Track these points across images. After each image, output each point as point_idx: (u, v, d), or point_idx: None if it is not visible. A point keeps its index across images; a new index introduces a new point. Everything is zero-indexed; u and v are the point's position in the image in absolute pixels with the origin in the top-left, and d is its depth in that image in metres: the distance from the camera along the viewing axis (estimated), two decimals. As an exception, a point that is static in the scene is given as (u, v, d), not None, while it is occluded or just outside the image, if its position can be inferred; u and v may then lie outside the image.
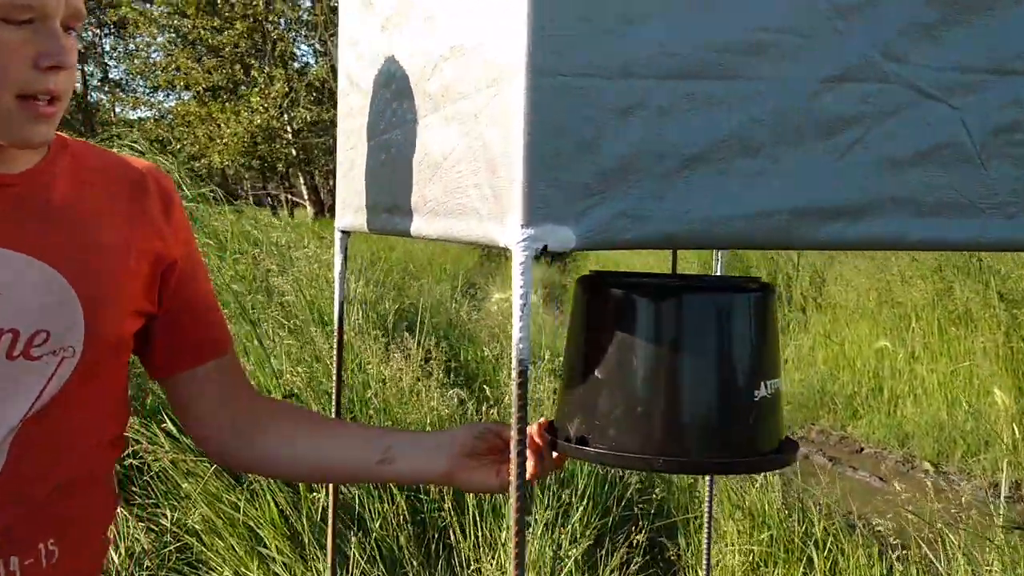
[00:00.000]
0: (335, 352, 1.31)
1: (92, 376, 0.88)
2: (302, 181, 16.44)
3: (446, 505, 2.72)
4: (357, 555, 2.56)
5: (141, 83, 18.65)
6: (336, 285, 1.28)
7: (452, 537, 2.70)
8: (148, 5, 16.06)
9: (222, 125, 14.69)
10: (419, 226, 0.94)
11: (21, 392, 0.84)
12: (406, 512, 2.72)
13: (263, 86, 14.86)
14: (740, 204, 0.74)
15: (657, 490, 3.23)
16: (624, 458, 0.85)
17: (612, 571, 2.75)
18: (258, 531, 2.61)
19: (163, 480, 2.71)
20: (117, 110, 19.81)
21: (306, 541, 2.57)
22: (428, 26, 0.92)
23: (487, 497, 2.70)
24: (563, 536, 2.74)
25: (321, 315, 3.88)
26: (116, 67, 20.73)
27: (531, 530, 2.71)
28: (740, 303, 0.86)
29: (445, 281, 8.04)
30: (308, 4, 16.40)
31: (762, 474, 3.06)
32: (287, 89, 14.88)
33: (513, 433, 0.72)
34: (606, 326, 0.86)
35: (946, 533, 2.71)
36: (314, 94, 15.19)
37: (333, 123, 1.27)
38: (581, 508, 2.84)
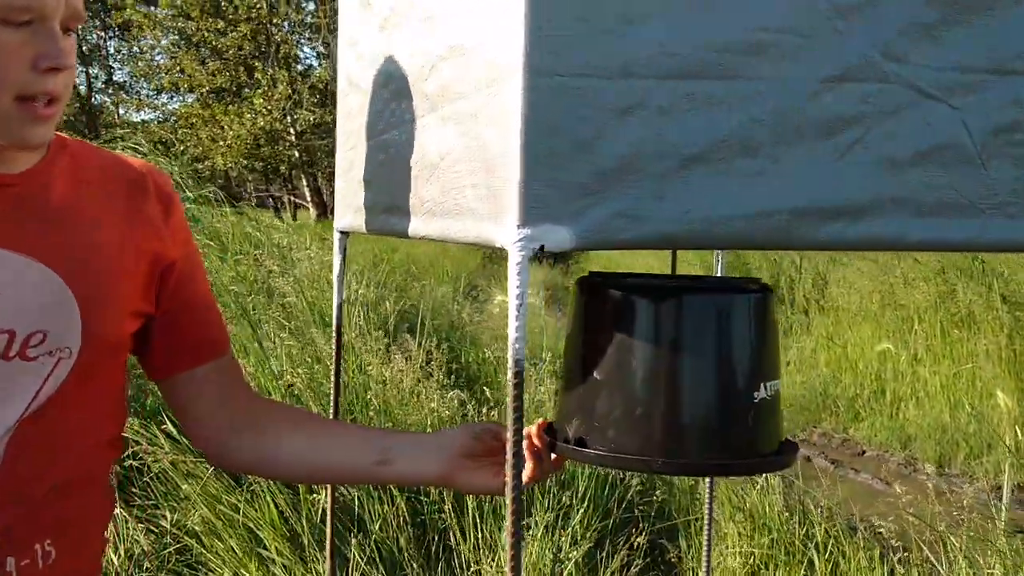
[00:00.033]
0: (334, 353, 1.30)
1: (89, 377, 0.88)
2: (305, 183, 16.46)
3: (446, 507, 2.71)
4: (357, 557, 2.56)
5: (145, 85, 18.70)
6: (335, 286, 1.28)
7: (452, 539, 2.70)
8: (152, 8, 16.09)
9: (225, 127, 14.71)
10: (416, 226, 0.94)
11: (17, 393, 0.84)
12: (406, 514, 2.72)
13: (266, 88, 14.88)
14: (740, 204, 0.74)
15: (658, 492, 3.23)
16: (623, 460, 0.85)
17: (612, 573, 2.74)
18: (258, 533, 2.60)
19: (163, 481, 2.71)
20: (121, 112, 19.86)
21: (306, 543, 2.57)
22: (426, 26, 0.92)
23: (487, 499, 2.70)
24: (563, 538, 2.73)
25: (322, 316, 3.88)
26: (120, 69, 20.78)
27: (531, 532, 2.71)
28: (739, 304, 0.86)
29: (447, 283, 8.04)
30: (312, 7, 16.43)
31: (763, 476, 3.06)
32: (290, 91, 14.91)
33: (509, 434, 0.72)
34: (605, 327, 0.86)
35: (948, 536, 2.70)
36: (317, 96, 15.21)
37: (336, 125, 1.27)
38: (581, 510, 2.83)
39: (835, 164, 0.75)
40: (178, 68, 15.73)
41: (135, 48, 18.21)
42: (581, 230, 0.71)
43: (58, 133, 0.90)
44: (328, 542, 1.32)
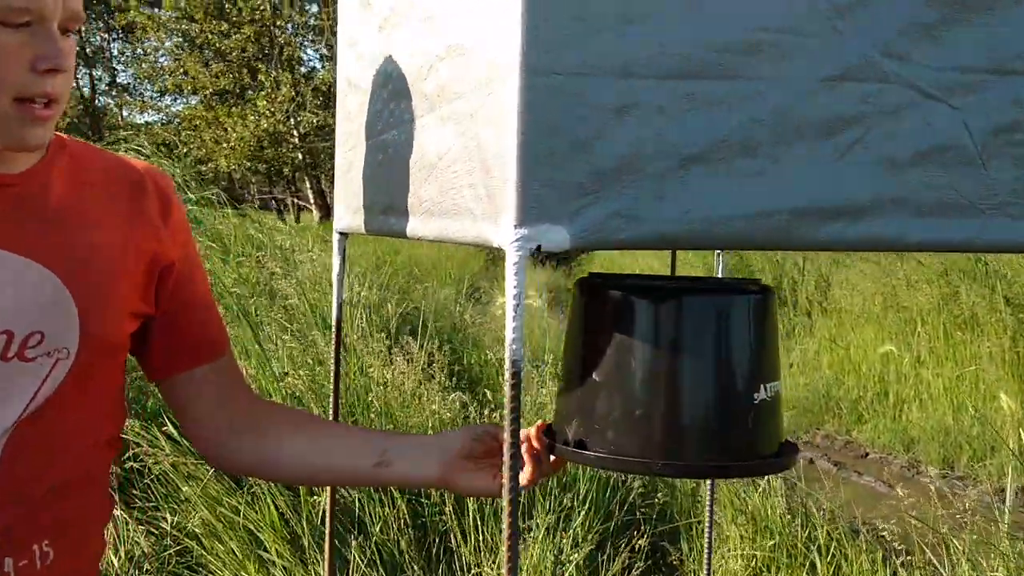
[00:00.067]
0: (333, 354, 1.30)
1: (87, 377, 0.88)
2: (308, 185, 16.47)
3: (447, 509, 2.71)
4: (357, 559, 2.55)
5: (148, 87, 18.73)
6: (334, 287, 1.28)
7: (453, 541, 2.69)
8: (156, 10, 16.14)
9: (229, 129, 14.73)
10: (415, 227, 0.94)
11: (15, 393, 0.84)
12: (407, 516, 2.72)
13: (270, 90, 14.90)
14: (740, 204, 0.73)
15: (660, 494, 3.22)
16: (622, 461, 0.85)
17: (614, 576, 2.73)
18: (258, 535, 2.60)
19: (163, 483, 2.71)
20: (124, 114, 19.90)
21: (306, 545, 2.56)
22: (425, 26, 0.92)
23: (488, 501, 2.69)
24: (564, 541, 2.73)
25: (324, 318, 3.88)
26: (124, 71, 20.82)
27: (532, 535, 2.70)
28: (739, 305, 0.86)
29: (450, 285, 8.04)
30: (315, 9, 16.46)
31: (765, 479, 3.05)
32: (294, 94, 14.93)
33: (506, 434, 0.71)
34: (604, 328, 0.86)
35: (951, 539, 2.69)
36: (320, 98, 15.22)
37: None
38: (583, 512, 2.83)
39: (835, 164, 0.75)
40: (182, 70, 15.77)
41: (139, 50, 18.25)
42: (578, 230, 0.70)
43: (58, 133, 0.90)
44: (327, 544, 1.32)
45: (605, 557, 2.78)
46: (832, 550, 2.81)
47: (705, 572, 1.63)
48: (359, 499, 2.70)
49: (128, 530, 2.55)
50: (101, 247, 0.89)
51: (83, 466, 0.91)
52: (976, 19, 0.76)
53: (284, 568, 2.54)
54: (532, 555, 2.64)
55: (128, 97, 19.77)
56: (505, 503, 0.71)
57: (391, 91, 1.02)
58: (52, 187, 0.87)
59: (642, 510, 3.11)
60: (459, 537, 2.69)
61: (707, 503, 1.62)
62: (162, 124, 17.19)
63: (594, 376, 0.85)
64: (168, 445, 2.68)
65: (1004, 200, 0.78)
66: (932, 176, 0.76)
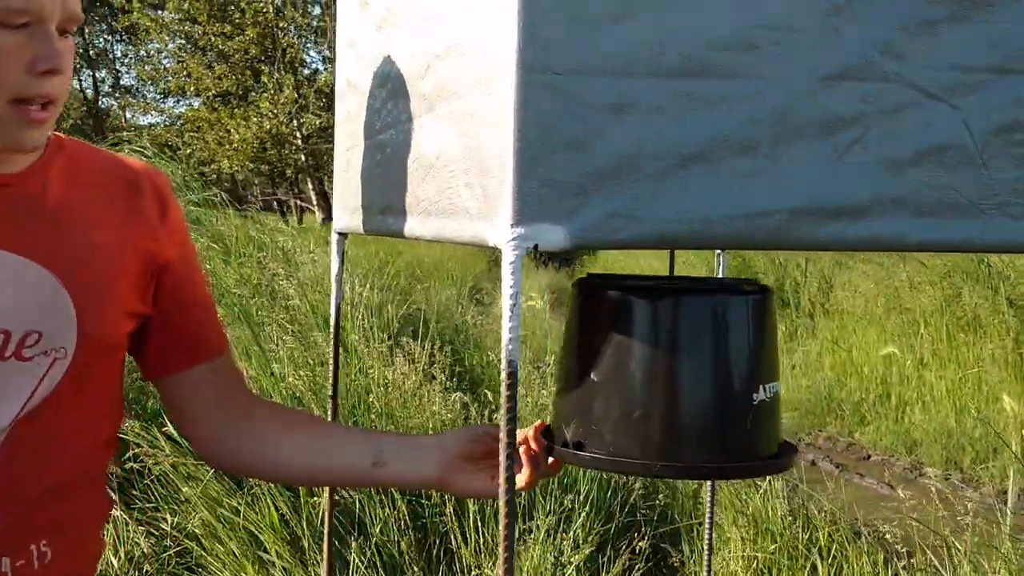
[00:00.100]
0: (332, 354, 1.30)
1: (84, 377, 0.88)
2: (311, 186, 16.49)
3: (447, 510, 2.70)
4: (357, 560, 2.55)
5: (151, 89, 18.78)
6: (333, 287, 1.28)
7: (453, 542, 2.69)
8: (160, 12, 16.17)
9: (232, 131, 14.75)
10: (412, 226, 0.93)
11: (12, 393, 0.83)
12: (407, 517, 2.71)
13: (273, 92, 14.92)
14: (739, 204, 0.73)
15: (661, 496, 3.21)
16: (620, 463, 0.84)
17: (614, 577, 2.73)
18: (258, 535, 2.60)
19: (163, 484, 2.71)
20: (127, 116, 19.94)
21: (306, 546, 2.56)
22: (424, 26, 0.92)
23: (489, 502, 2.69)
24: (565, 542, 2.72)
25: (325, 319, 3.88)
26: (127, 73, 20.88)
27: (532, 536, 2.69)
28: (738, 305, 0.85)
29: (452, 286, 8.04)
30: (318, 11, 16.48)
31: (766, 480, 3.04)
32: (296, 95, 14.95)
33: (502, 434, 0.71)
34: (602, 329, 0.85)
35: (953, 541, 2.68)
36: (323, 100, 15.23)
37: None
38: (583, 514, 2.82)
39: (835, 164, 0.74)
40: (185, 72, 15.80)
41: (142, 52, 18.30)
42: (576, 230, 0.70)
43: (56, 133, 0.90)
44: (326, 544, 1.31)
45: (606, 559, 2.78)
46: (833, 552, 2.80)
47: (706, 574, 1.62)
48: (359, 500, 2.70)
49: (128, 531, 2.55)
50: (99, 247, 0.89)
51: (81, 466, 0.91)
52: (977, 17, 0.75)
53: (284, 569, 2.53)
54: (532, 556, 2.64)
55: (131, 99, 19.83)
56: (501, 503, 0.71)
57: (389, 91, 1.01)
58: (50, 187, 0.87)
59: (643, 512, 3.10)
60: (459, 538, 2.68)
61: (708, 505, 1.62)
62: (165, 126, 17.23)
63: (592, 377, 0.85)
64: (168, 446, 2.68)
65: (1005, 200, 0.77)
66: (932, 176, 0.76)
